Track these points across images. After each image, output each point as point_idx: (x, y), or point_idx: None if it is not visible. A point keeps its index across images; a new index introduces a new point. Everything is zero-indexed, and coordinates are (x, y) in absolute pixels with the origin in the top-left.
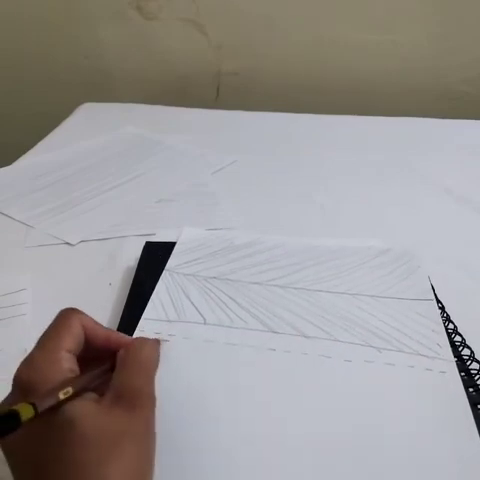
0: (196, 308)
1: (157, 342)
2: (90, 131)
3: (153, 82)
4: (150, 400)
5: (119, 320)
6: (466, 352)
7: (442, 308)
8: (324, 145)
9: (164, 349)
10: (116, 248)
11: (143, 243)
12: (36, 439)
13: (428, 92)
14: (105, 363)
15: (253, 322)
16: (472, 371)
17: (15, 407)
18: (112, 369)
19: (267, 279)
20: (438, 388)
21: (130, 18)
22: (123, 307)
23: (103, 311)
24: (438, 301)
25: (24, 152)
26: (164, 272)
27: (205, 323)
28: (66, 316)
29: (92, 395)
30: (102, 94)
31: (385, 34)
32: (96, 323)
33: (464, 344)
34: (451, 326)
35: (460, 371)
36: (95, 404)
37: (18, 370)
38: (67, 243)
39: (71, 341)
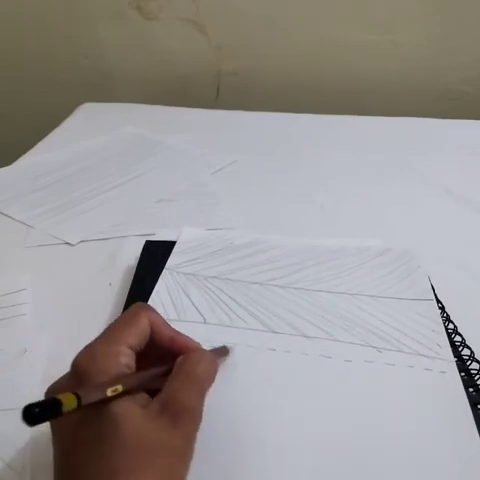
0: (196, 307)
1: (222, 352)
2: (90, 131)
3: (153, 82)
4: (195, 417)
5: None
6: (466, 352)
7: (442, 308)
8: (324, 145)
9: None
10: (116, 248)
11: (143, 243)
12: (78, 428)
13: (428, 92)
14: (165, 364)
15: (253, 322)
16: (472, 371)
17: (59, 396)
18: (169, 372)
19: (267, 279)
20: (438, 388)
21: (130, 18)
22: (123, 307)
23: (103, 311)
24: (438, 301)
25: (24, 152)
26: (164, 271)
27: (205, 323)
28: (135, 311)
29: (142, 397)
30: (102, 94)
31: (385, 34)
32: (164, 322)
33: (464, 344)
34: (451, 326)
35: (460, 371)
36: (141, 408)
37: (77, 356)
38: (67, 243)
39: (135, 337)
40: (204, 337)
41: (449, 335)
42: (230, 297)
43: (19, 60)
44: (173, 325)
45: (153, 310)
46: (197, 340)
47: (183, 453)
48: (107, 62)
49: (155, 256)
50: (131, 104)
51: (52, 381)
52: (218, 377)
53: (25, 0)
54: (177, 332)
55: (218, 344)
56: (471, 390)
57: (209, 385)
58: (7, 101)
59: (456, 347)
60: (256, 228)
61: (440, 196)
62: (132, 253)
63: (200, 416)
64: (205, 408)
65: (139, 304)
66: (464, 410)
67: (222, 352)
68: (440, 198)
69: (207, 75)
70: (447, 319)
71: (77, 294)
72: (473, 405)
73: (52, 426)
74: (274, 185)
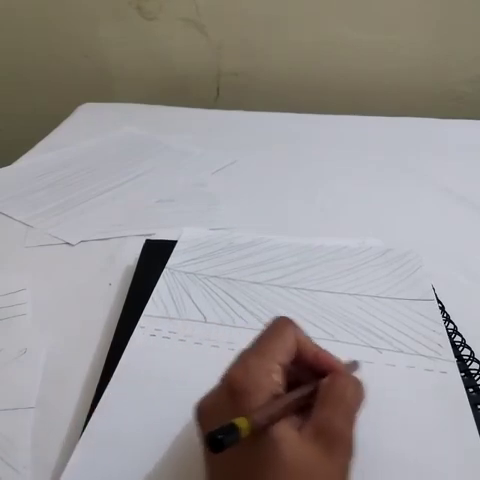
0: (197, 306)
1: (354, 367)
2: (90, 131)
3: (153, 82)
4: (350, 447)
5: (119, 317)
6: (466, 352)
7: (442, 308)
8: (324, 145)
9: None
10: (116, 248)
11: (143, 243)
12: (237, 451)
13: (428, 92)
14: (306, 382)
15: (253, 321)
16: (472, 371)
17: (235, 421)
18: (313, 393)
19: (267, 279)
20: (439, 388)
21: (130, 18)
22: (123, 307)
23: (103, 311)
24: (438, 301)
25: (24, 152)
26: (165, 270)
27: (206, 321)
28: (282, 325)
29: (294, 419)
30: (102, 94)
31: (385, 34)
32: (308, 338)
33: (464, 344)
34: (451, 326)
35: (460, 371)
36: (297, 432)
37: (231, 370)
38: (67, 243)
39: (284, 354)
40: (204, 336)
41: (449, 335)
42: (231, 296)
43: (19, 60)
44: (174, 323)
45: (297, 325)
46: (197, 339)
47: None
48: (107, 62)
49: (155, 255)
50: (131, 104)
51: (52, 381)
52: (217, 377)
53: (25, 0)
54: (321, 349)
55: (218, 343)
56: (471, 390)
57: (359, 410)
58: (7, 101)
59: (456, 347)
60: (256, 228)
61: (440, 196)
62: (132, 253)
63: (354, 446)
64: None
65: (285, 318)
66: (464, 410)
67: (354, 367)
68: (440, 198)
69: (207, 75)
70: (447, 319)
71: (77, 294)
72: (473, 405)
73: (207, 459)
74: (274, 185)
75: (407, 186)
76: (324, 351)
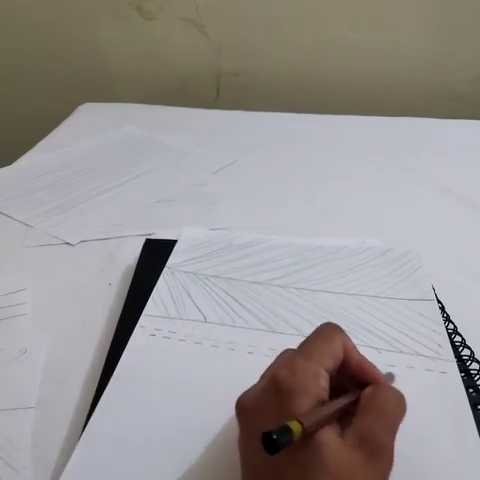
0: (197, 306)
1: (390, 379)
2: (90, 131)
3: (153, 82)
4: (391, 458)
5: (119, 317)
6: (466, 352)
7: (442, 308)
8: (324, 145)
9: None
10: (116, 248)
11: (143, 243)
12: (281, 454)
13: (428, 92)
14: (345, 388)
15: (254, 321)
16: (472, 371)
17: (289, 423)
18: (355, 402)
19: (268, 279)
20: (439, 389)
21: (130, 18)
22: (123, 306)
23: (103, 311)
24: (438, 301)
25: (24, 152)
26: (165, 269)
27: (206, 321)
28: (331, 332)
29: (336, 426)
30: (102, 94)
31: (385, 34)
32: (355, 347)
33: (464, 344)
34: (451, 326)
35: (460, 371)
36: (340, 438)
37: (278, 370)
38: (67, 243)
39: (331, 360)
40: (204, 336)
41: (449, 335)
42: (231, 296)
43: (19, 60)
44: (174, 323)
45: (345, 333)
46: (197, 339)
47: None
48: (107, 62)
49: (155, 255)
50: (131, 104)
51: (52, 381)
52: (218, 377)
53: (25, 0)
54: (365, 359)
55: (218, 343)
56: (471, 390)
57: (400, 422)
58: (7, 101)
59: (456, 347)
60: (256, 228)
61: (440, 196)
62: (132, 253)
63: (393, 457)
64: (206, 410)
65: (333, 324)
66: (464, 410)
67: (390, 379)
68: (440, 198)
69: (207, 75)
70: (447, 319)
71: (77, 294)
72: (473, 405)
73: (245, 452)
74: (274, 185)
75: (407, 186)
76: (368, 361)
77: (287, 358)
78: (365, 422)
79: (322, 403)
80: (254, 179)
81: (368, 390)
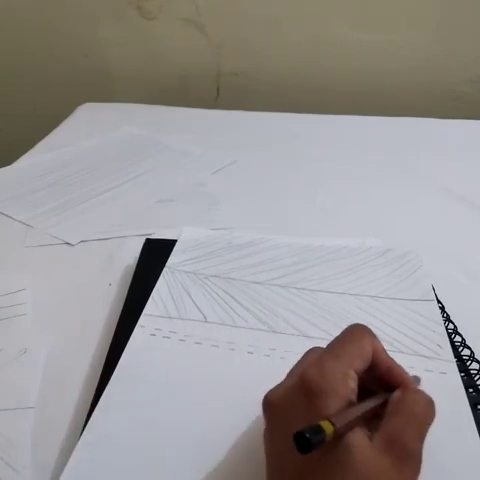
0: (197, 306)
1: (417, 382)
2: (90, 131)
3: (153, 82)
4: (419, 463)
5: (119, 316)
6: (466, 352)
7: (442, 308)
8: (324, 145)
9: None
10: (116, 248)
11: (143, 243)
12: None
13: (428, 92)
14: (372, 391)
15: (254, 321)
16: (472, 371)
17: (322, 423)
18: (383, 405)
19: (268, 279)
20: (438, 389)
21: (130, 18)
22: (123, 306)
23: (103, 311)
24: (438, 301)
25: (24, 152)
26: (165, 269)
27: (206, 321)
28: (360, 333)
29: (365, 429)
30: (102, 94)
31: (385, 34)
32: (383, 349)
33: (464, 344)
34: (451, 326)
35: (460, 371)
36: (369, 441)
37: (307, 369)
38: (67, 243)
39: (360, 362)
40: (204, 335)
41: (449, 335)
42: (231, 296)
43: (19, 60)
44: (174, 322)
45: (374, 335)
46: (198, 338)
47: None
48: (107, 62)
49: (155, 254)
50: (131, 104)
51: (52, 381)
52: (218, 376)
53: (25, 0)
54: (395, 362)
55: (218, 343)
56: (471, 390)
57: (429, 427)
58: (7, 101)
59: (456, 347)
60: (256, 228)
61: (440, 196)
62: (132, 253)
63: (421, 462)
64: (207, 410)
65: (363, 326)
66: (464, 411)
67: (416, 382)
68: (440, 198)
69: (207, 75)
70: (447, 319)
71: (77, 294)
72: (473, 405)
73: (271, 448)
74: (274, 185)
75: (407, 186)
76: (398, 365)
77: (316, 357)
78: (394, 425)
79: (351, 404)
80: (254, 179)
81: (397, 393)
